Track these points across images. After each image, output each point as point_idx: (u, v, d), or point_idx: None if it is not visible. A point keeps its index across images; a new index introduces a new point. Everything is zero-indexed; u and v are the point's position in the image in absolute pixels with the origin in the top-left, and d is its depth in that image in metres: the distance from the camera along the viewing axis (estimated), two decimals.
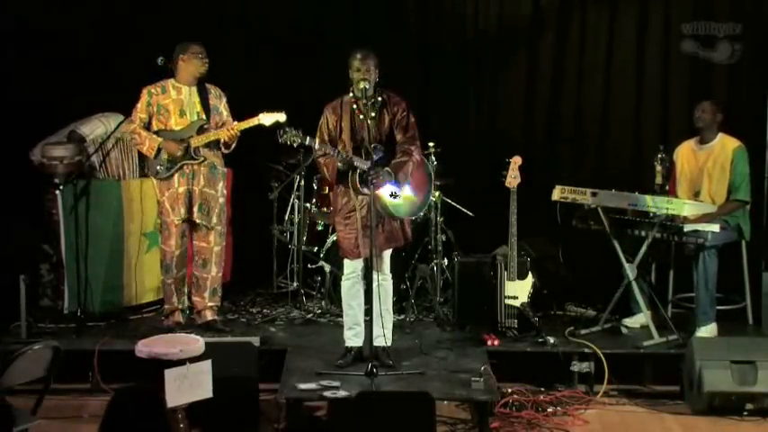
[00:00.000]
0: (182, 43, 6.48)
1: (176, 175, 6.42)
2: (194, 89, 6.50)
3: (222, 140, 6.42)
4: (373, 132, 5.77)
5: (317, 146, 5.73)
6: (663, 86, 7.78)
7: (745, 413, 5.82)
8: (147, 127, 6.45)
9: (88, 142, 7.07)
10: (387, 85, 6.00)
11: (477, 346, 6.35)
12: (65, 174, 6.87)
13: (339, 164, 5.73)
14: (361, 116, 5.82)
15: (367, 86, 5.72)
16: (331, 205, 6.33)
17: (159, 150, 6.39)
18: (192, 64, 6.44)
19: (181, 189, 6.43)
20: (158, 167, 6.43)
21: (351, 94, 5.85)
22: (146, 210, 7.04)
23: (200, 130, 6.44)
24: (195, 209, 6.46)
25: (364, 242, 5.79)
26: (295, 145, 5.76)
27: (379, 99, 5.80)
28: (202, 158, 6.43)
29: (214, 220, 6.52)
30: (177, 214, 6.43)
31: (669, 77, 7.76)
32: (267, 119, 6.24)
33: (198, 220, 6.48)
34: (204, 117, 6.48)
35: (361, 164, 5.72)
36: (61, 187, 6.64)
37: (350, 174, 5.77)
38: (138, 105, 6.47)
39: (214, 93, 6.58)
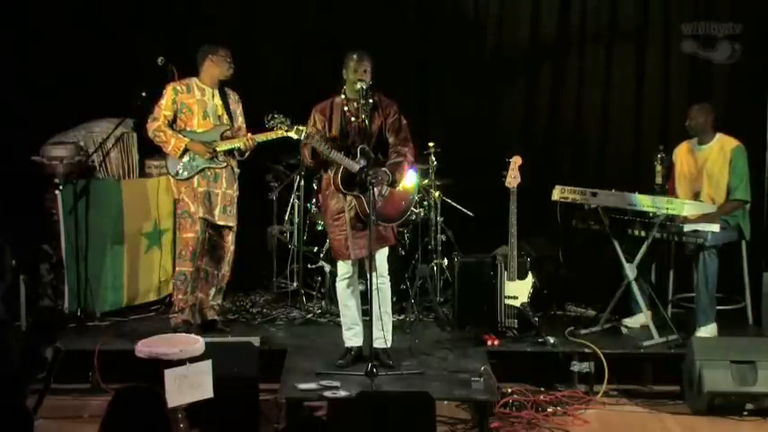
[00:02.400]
0: (211, 44, 6.48)
1: (197, 176, 6.42)
2: (216, 92, 6.50)
3: (237, 148, 6.44)
4: (367, 133, 5.77)
5: (303, 136, 5.73)
6: (663, 86, 7.78)
7: (745, 413, 5.82)
8: (171, 125, 6.41)
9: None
10: (388, 85, 6.01)
11: (477, 346, 6.36)
12: (65, 174, 6.87)
13: (325, 151, 5.70)
14: (353, 118, 5.82)
15: (364, 87, 5.73)
16: None
17: (185, 151, 6.37)
18: (219, 66, 6.44)
19: (200, 189, 6.40)
20: (179, 168, 6.40)
21: (342, 96, 5.86)
22: (146, 210, 7.04)
23: (223, 136, 6.44)
24: (218, 211, 6.45)
25: (354, 243, 5.80)
26: (281, 132, 5.79)
27: (371, 101, 5.80)
28: (225, 163, 6.44)
29: (234, 220, 6.54)
30: (197, 210, 6.41)
31: (669, 77, 7.76)
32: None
33: (222, 222, 6.49)
34: (228, 121, 6.49)
35: (350, 165, 5.72)
36: (61, 187, 6.63)
37: (333, 172, 5.77)
38: (163, 102, 6.41)
39: (233, 97, 6.58)
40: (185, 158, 6.38)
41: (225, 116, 6.51)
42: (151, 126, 6.41)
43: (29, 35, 7.47)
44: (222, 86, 6.53)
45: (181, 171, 6.40)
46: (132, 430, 4.08)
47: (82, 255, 6.65)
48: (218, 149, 6.39)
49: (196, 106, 6.44)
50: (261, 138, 6.36)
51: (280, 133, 5.96)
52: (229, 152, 6.46)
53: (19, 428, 4.10)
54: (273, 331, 6.74)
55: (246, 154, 6.52)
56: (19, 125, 7.26)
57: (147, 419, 4.07)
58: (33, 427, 4.21)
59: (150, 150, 7.20)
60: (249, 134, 6.43)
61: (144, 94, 6.60)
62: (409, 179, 6.10)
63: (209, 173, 6.42)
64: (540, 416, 5.77)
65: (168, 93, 6.43)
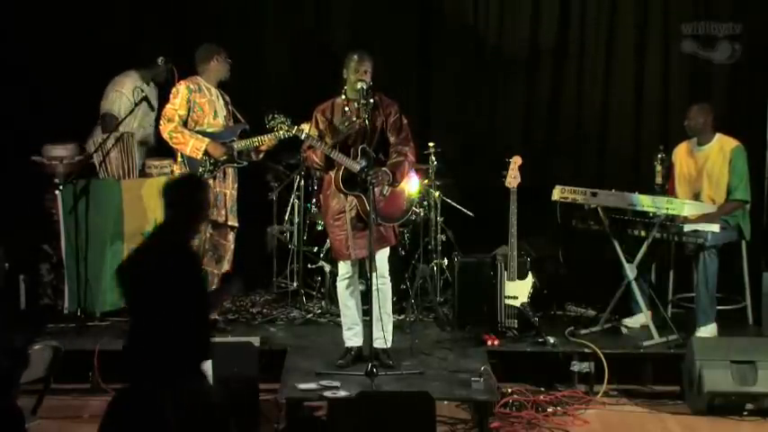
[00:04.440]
0: (215, 45, 6.50)
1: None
2: (218, 92, 6.52)
3: (257, 147, 6.43)
4: (368, 133, 5.77)
5: (303, 136, 5.75)
6: (663, 86, 7.77)
7: (745, 413, 5.82)
8: (184, 124, 6.37)
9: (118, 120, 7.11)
10: (388, 85, 6.02)
11: (477, 346, 6.36)
12: (65, 174, 6.87)
13: (327, 151, 5.72)
14: (354, 118, 5.82)
15: (365, 87, 5.73)
16: None
17: (206, 152, 6.32)
18: (223, 67, 6.46)
19: (214, 190, 6.39)
20: (201, 169, 6.37)
21: (343, 96, 5.87)
22: (146, 210, 7.02)
23: (243, 134, 6.44)
24: (226, 211, 6.46)
25: (354, 243, 5.80)
26: (281, 132, 5.79)
27: (371, 101, 5.81)
28: (245, 162, 6.44)
29: (236, 220, 6.55)
30: None
31: (669, 77, 7.76)
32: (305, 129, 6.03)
33: (231, 223, 6.51)
34: (241, 121, 6.51)
35: (351, 165, 5.72)
36: (61, 187, 6.63)
37: (334, 173, 5.78)
38: (177, 101, 6.36)
39: (226, 98, 6.59)
40: (206, 158, 6.37)
41: (229, 116, 6.51)
42: (166, 127, 6.35)
43: (28, 34, 7.47)
44: (219, 87, 6.55)
45: (204, 172, 6.36)
46: (132, 430, 4.08)
47: (82, 255, 6.64)
48: (236, 148, 6.39)
49: (207, 106, 6.43)
50: (280, 135, 6.25)
51: (284, 133, 5.98)
52: (244, 152, 6.46)
53: (10, 428, 4.10)
54: (273, 331, 6.74)
55: (262, 155, 6.52)
56: (19, 125, 7.26)
57: (146, 420, 4.07)
58: (25, 427, 4.21)
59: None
60: (268, 134, 6.39)
61: (161, 60, 6.82)
62: (413, 185, 6.08)
63: (219, 173, 6.43)
64: (540, 416, 5.77)
65: (182, 91, 6.39)
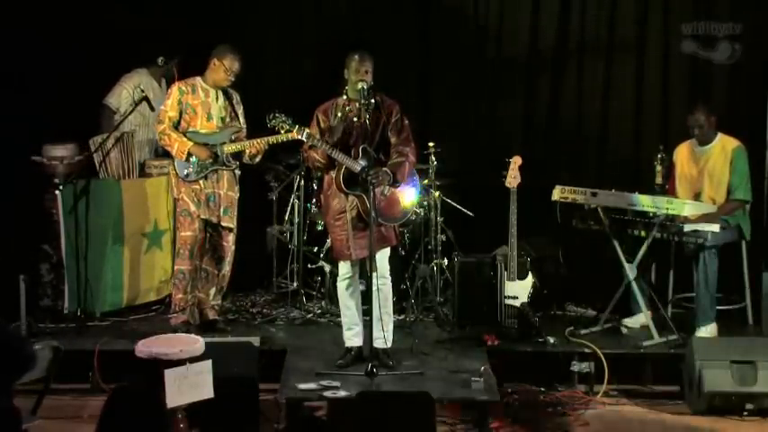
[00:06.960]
0: (223, 46, 6.47)
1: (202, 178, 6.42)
2: (220, 92, 6.50)
3: (249, 152, 6.43)
4: (369, 133, 5.77)
5: (304, 136, 5.75)
6: (663, 86, 7.77)
7: (745, 413, 5.82)
8: (176, 126, 6.39)
9: (118, 116, 7.13)
10: (388, 85, 6.01)
11: (477, 346, 6.36)
12: (65, 174, 6.87)
13: (328, 150, 5.72)
14: (355, 118, 5.82)
15: (365, 87, 5.73)
16: None
17: (190, 154, 6.34)
18: (218, 72, 6.42)
19: (204, 191, 6.40)
20: (187, 171, 6.38)
21: (344, 96, 5.87)
22: (146, 210, 7.04)
23: (233, 138, 6.44)
24: (221, 212, 6.45)
25: (355, 243, 5.80)
26: (283, 132, 5.79)
27: (372, 101, 5.80)
28: (235, 165, 6.43)
29: (234, 222, 6.54)
30: (197, 210, 6.40)
31: (669, 77, 7.75)
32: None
33: (224, 224, 6.49)
34: (238, 123, 6.51)
35: (352, 164, 5.72)
36: (61, 187, 6.63)
37: (335, 172, 5.78)
38: (168, 103, 6.40)
39: (236, 98, 6.58)
40: (192, 160, 6.38)
41: (228, 117, 6.50)
42: (157, 129, 6.42)
43: (27, 34, 7.46)
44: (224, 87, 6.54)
45: (190, 173, 6.38)
46: (129, 430, 4.08)
47: (82, 255, 6.64)
48: (225, 151, 6.39)
49: (200, 108, 6.43)
50: (272, 140, 6.29)
51: (286, 135, 5.96)
52: (237, 154, 6.46)
53: (7, 428, 4.09)
54: (273, 331, 6.75)
55: (258, 158, 6.51)
56: (19, 125, 7.25)
57: (143, 418, 4.07)
58: (21, 428, 4.20)
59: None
60: (258, 138, 6.40)
61: (160, 59, 6.86)
62: (408, 197, 6.05)
63: (212, 174, 6.42)
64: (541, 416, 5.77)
65: (173, 93, 6.41)
